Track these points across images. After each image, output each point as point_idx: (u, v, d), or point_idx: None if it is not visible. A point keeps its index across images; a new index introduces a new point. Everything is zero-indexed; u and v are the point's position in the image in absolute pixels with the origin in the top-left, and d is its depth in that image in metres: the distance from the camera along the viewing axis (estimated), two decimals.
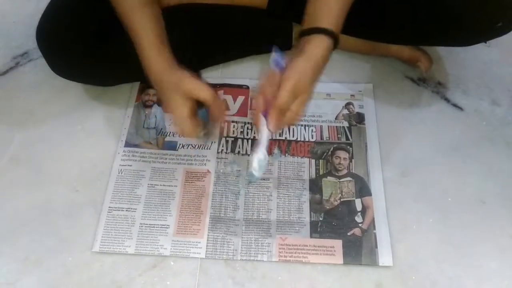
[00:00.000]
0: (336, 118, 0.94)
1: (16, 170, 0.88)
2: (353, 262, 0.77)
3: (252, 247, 0.79)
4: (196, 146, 0.89)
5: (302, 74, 0.67)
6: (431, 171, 0.87)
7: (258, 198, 0.84)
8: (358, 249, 0.78)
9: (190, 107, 0.72)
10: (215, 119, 0.77)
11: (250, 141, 0.90)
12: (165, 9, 0.82)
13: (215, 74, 1.00)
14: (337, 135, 0.91)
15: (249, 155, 0.88)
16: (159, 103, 0.95)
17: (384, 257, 0.77)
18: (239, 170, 0.87)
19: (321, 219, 0.81)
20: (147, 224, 0.81)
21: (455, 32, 0.84)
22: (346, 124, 0.93)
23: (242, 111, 0.94)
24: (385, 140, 0.90)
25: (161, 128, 0.92)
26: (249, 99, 0.96)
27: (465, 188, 0.85)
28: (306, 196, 0.84)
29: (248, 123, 0.92)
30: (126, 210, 0.82)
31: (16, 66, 1.03)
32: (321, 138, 0.91)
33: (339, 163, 0.88)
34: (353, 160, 0.88)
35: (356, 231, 0.80)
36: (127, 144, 0.90)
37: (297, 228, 0.81)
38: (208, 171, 0.87)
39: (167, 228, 0.80)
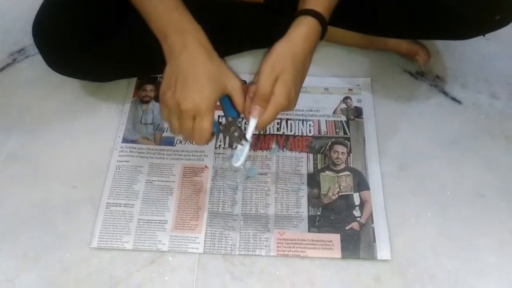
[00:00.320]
0: (334, 113, 0.93)
1: (14, 166, 0.88)
2: (351, 256, 0.77)
3: (250, 242, 0.79)
4: (194, 142, 0.89)
5: (278, 55, 0.67)
6: (429, 165, 0.87)
7: (256, 193, 0.84)
8: (356, 243, 0.78)
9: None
10: (242, 111, 0.71)
11: None
12: None
13: None
14: (335, 129, 0.91)
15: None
16: (157, 98, 0.95)
17: (382, 251, 0.77)
18: None
19: (319, 213, 0.81)
20: (145, 220, 0.81)
21: (453, 26, 0.83)
22: (344, 118, 0.92)
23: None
24: (383, 134, 0.90)
25: (158, 124, 0.92)
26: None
27: (463, 181, 0.85)
28: (304, 190, 0.84)
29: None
30: (124, 206, 0.82)
31: (13, 62, 1.03)
32: (319, 132, 0.91)
33: (337, 158, 0.87)
34: (351, 154, 0.88)
35: (354, 225, 0.80)
36: (125, 140, 0.90)
37: (295, 222, 0.81)
38: (206, 166, 0.87)
39: (165, 223, 0.80)
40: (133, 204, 0.82)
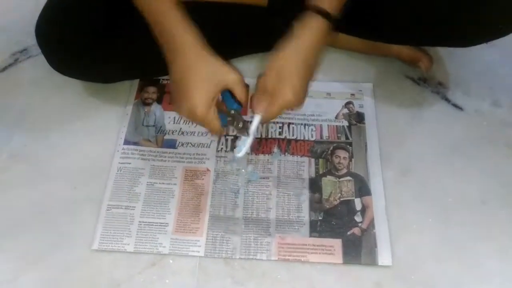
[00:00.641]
0: (336, 117, 0.93)
1: (15, 167, 0.88)
2: (353, 261, 0.77)
3: (252, 246, 0.79)
4: (196, 145, 0.89)
5: (286, 54, 0.68)
6: (431, 171, 0.87)
7: (257, 197, 0.84)
8: (358, 248, 0.78)
9: (215, 103, 0.70)
10: (244, 103, 0.73)
11: None
12: None
13: None
14: (337, 134, 0.91)
15: (249, 154, 0.88)
16: (160, 100, 0.95)
17: (384, 256, 0.77)
18: (238, 169, 0.86)
19: (320, 218, 0.81)
20: (146, 222, 0.81)
21: (456, 33, 0.84)
22: (346, 123, 0.92)
23: (242, 110, 0.93)
24: (385, 139, 0.90)
25: (160, 126, 0.92)
26: (249, 97, 0.96)
27: (465, 188, 0.85)
28: (305, 195, 0.84)
29: (249, 121, 0.92)
30: (125, 208, 0.82)
31: (15, 62, 1.03)
32: (321, 137, 0.91)
33: (339, 162, 0.87)
34: (353, 159, 0.88)
35: (356, 230, 0.80)
36: (126, 142, 0.90)
37: (296, 227, 0.80)
38: (208, 170, 0.86)
39: (166, 226, 0.80)
40: (134, 206, 0.82)
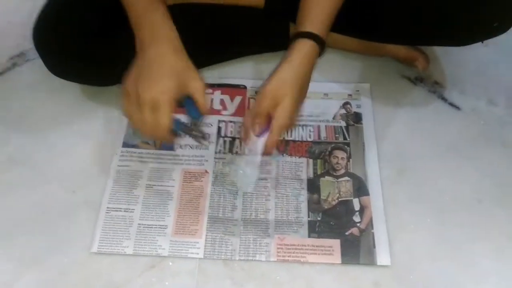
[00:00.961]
0: (333, 118, 0.94)
1: (13, 170, 0.88)
2: (351, 261, 0.77)
3: (251, 247, 0.79)
4: (194, 147, 0.89)
5: (280, 80, 0.70)
6: (428, 171, 0.87)
7: (256, 198, 0.84)
8: (356, 248, 0.78)
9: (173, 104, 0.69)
10: (205, 113, 0.72)
11: None
12: None
13: (212, 74, 0.99)
14: (335, 134, 0.91)
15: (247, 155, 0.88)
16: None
17: (382, 256, 0.77)
18: (236, 170, 0.86)
19: (319, 218, 0.82)
20: (145, 225, 0.81)
21: (451, 32, 0.84)
22: (343, 123, 0.93)
23: (239, 111, 0.94)
24: (382, 139, 0.91)
25: None
26: (247, 99, 0.96)
27: (461, 187, 0.86)
28: (304, 196, 0.84)
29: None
30: (124, 211, 0.82)
31: (13, 66, 1.03)
32: (319, 137, 0.91)
33: (337, 163, 0.88)
34: (350, 159, 0.88)
35: (354, 230, 0.80)
36: (125, 145, 0.90)
37: (295, 228, 0.81)
38: (206, 171, 0.87)
39: (165, 228, 0.80)
40: (133, 209, 0.82)
